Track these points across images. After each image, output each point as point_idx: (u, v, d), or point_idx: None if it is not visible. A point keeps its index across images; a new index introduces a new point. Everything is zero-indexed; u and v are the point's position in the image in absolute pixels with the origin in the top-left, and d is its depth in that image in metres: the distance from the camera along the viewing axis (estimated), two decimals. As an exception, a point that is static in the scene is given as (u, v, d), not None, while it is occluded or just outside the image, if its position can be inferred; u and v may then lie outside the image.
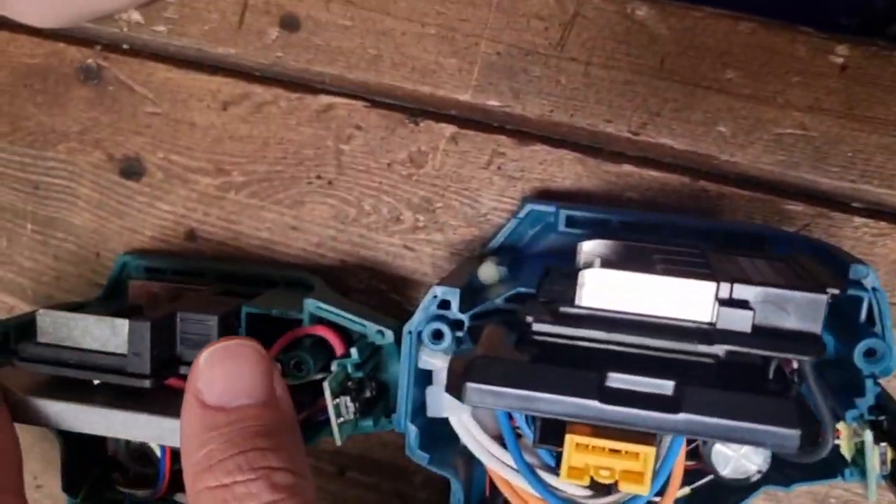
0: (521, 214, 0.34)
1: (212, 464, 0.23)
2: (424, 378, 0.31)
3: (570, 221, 0.34)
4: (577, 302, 0.26)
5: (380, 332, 0.32)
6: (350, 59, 0.37)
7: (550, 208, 0.33)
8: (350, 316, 0.32)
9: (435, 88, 0.37)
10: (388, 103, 0.37)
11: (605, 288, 0.25)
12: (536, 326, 0.26)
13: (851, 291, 0.28)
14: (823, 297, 0.25)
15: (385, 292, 0.38)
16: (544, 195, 0.36)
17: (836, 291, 0.25)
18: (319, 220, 0.38)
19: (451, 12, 0.36)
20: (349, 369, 0.31)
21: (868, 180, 0.35)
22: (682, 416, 0.24)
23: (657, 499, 0.30)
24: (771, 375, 0.26)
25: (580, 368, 0.24)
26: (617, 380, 0.24)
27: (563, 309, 0.25)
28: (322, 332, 0.32)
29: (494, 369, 0.25)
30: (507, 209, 0.37)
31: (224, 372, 0.25)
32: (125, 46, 0.39)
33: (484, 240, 0.37)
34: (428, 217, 0.37)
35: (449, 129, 0.37)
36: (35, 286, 0.41)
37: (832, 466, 0.29)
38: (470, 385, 0.25)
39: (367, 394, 0.33)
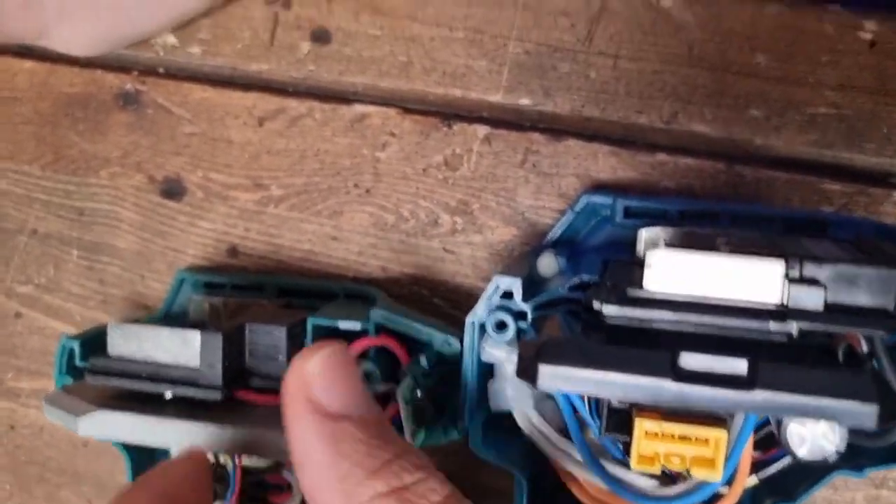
0: (578, 207, 0.34)
1: (376, 469, 0.22)
2: (486, 372, 0.31)
3: (628, 212, 0.33)
4: (644, 285, 0.26)
5: (447, 342, 0.32)
6: (381, 67, 0.38)
7: (607, 199, 0.33)
8: (418, 325, 0.32)
9: (466, 91, 0.37)
10: (420, 109, 0.38)
11: (672, 269, 0.25)
12: (606, 309, 0.26)
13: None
14: (895, 272, 0.25)
15: (426, 297, 0.38)
16: (587, 189, 0.36)
17: None
18: (359, 229, 0.38)
19: (479, 15, 0.37)
20: (419, 378, 0.31)
21: (906, 155, 0.35)
22: (758, 393, 0.24)
23: (725, 488, 0.30)
24: (841, 356, 0.25)
25: (652, 351, 0.24)
26: (690, 360, 0.24)
27: (630, 292, 0.26)
28: (388, 342, 0.32)
29: (568, 351, 0.25)
30: (543, 206, 0.37)
31: (337, 378, 0.24)
32: (161, 70, 0.40)
33: (523, 238, 0.37)
34: (466, 219, 0.38)
35: (482, 131, 0.37)
36: (83, 311, 0.42)
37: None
38: (543, 367, 0.25)
39: (436, 403, 0.34)
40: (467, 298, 0.38)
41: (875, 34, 0.35)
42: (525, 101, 0.37)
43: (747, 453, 0.29)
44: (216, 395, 0.31)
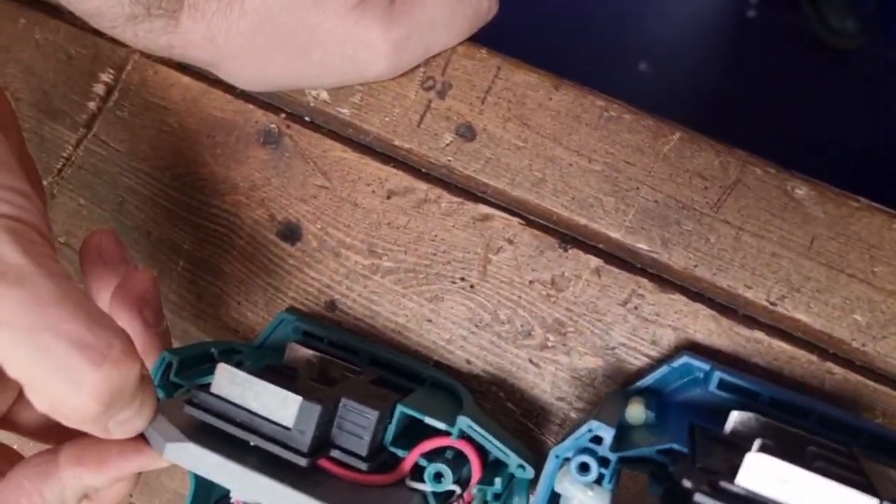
0: (675, 364, 0.35)
1: None
2: (554, 501, 0.33)
3: (722, 383, 0.35)
4: (737, 481, 0.27)
5: (521, 466, 0.33)
6: (516, 177, 0.40)
7: (705, 366, 0.35)
8: (498, 444, 0.34)
9: (590, 221, 0.39)
10: (542, 224, 0.40)
11: (766, 474, 0.27)
12: (699, 497, 0.27)
13: None
14: None
15: (502, 399, 0.40)
16: (680, 345, 0.38)
17: None
18: (455, 319, 0.40)
19: (620, 154, 0.39)
20: (488, 498, 0.33)
21: None
22: None
23: None
24: None
25: None
26: None
27: (723, 484, 0.27)
28: (467, 450, 0.34)
29: None
30: (635, 347, 0.38)
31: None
32: (308, 119, 0.42)
33: (607, 371, 0.39)
34: (558, 338, 0.39)
35: (595, 262, 0.39)
36: (175, 319, 0.43)
37: None
38: None
39: None
40: (540, 411, 0.39)
41: None
42: (642, 246, 0.38)
43: None
44: (301, 461, 0.33)
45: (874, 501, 0.27)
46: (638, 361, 0.38)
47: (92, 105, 0.45)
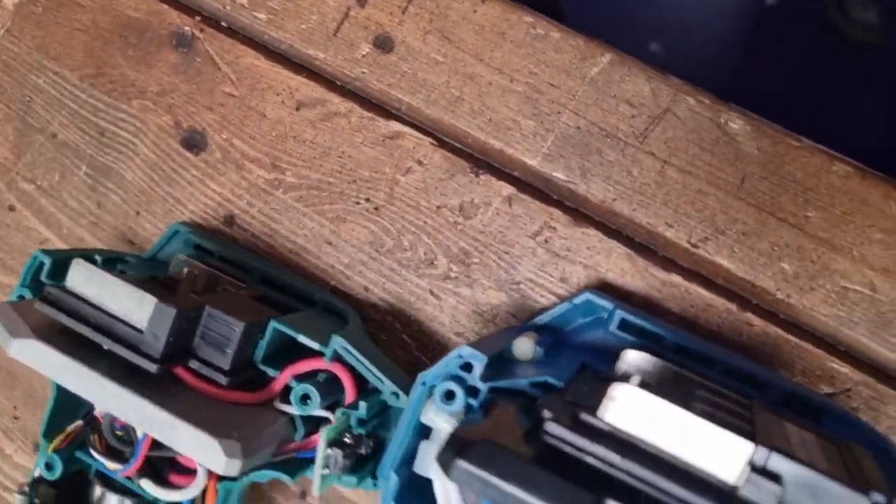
0: (577, 301, 0.32)
1: None
2: (422, 432, 0.30)
3: (624, 324, 0.32)
4: (600, 413, 0.24)
5: (395, 393, 0.31)
6: (432, 94, 0.37)
7: (608, 304, 0.32)
8: (372, 368, 0.31)
9: (505, 145, 0.36)
10: (455, 147, 0.37)
11: (635, 409, 0.24)
12: (550, 427, 0.24)
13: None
14: (864, 500, 0.23)
15: (398, 330, 0.37)
16: (590, 285, 0.35)
17: (881, 499, 0.23)
18: (355, 242, 0.37)
19: (544, 75, 0.36)
20: (352, 422, 0.30)
21: (928, 363, 0.32)
22: None
23: None
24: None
25: (580, 486, 0.23)
26: None
27: (583, 416, 0.24)
28: (340, 373, 0.31)
29: (493, 458, 0.23)
30: (542, 284, 0.35)
31: None
32: (223, 24, 0.40)
33: (510, 308, 0.36)
34: (461, 269, 0.36)
35: (507, 189, 0.36)
36: (72, 226, 0.41)
37: None
38: (461, 463, 0.23)
39: (363, 450, 0.32)
40: (437, 345, 0.36)
41: (938, 230, 0.32)
42: (559, 175, 0.35)
43: None
44: (151, 367, 0.30)
45: (748, 445, 0.23)
46: (544, 299, 0.35)
47: (7, 1, 0.43)
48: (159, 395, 0.30)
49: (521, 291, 0.36)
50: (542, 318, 0.33)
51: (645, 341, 0.32)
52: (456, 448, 0.24)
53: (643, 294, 0.34)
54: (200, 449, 0.29)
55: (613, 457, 0.24)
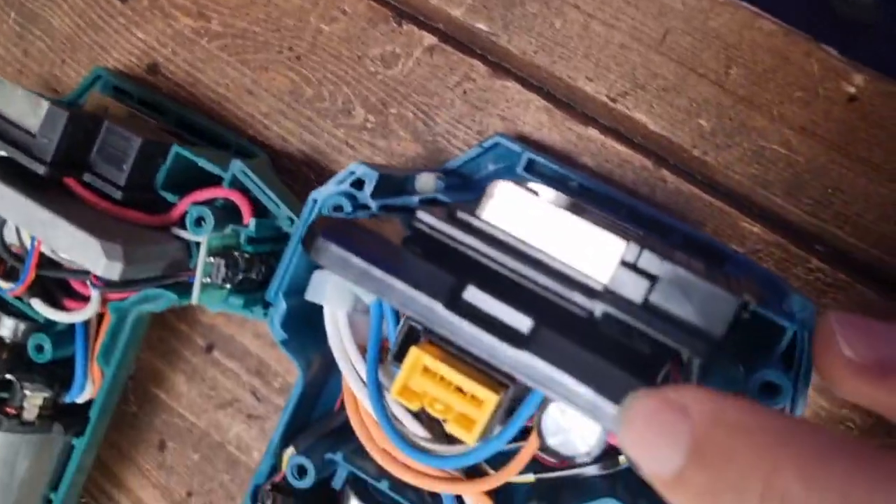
0: (487, 144, 0.32)
1: None
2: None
3: (530, 166, 0.31)
4: (477, 212, 0.23)
5: (290, 219, 0.30)
6: (358, -59, 0.36)
7: (516, 147, 0.31)
8: (269, 192, 0.30)
9: (429, -6, 0.35)
10: (379, -4, 0.36)
11: (512, 207, 0.23)
12: (420, 213, 0.23)
13: (779, 319, 0.24)
14: (734, 299, 0.22)
15: (311, 181, 0.36)
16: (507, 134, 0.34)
17: (752, 300, 0.22)
18: (275, 91, 0.37)
19: (472, -75, 0.35)
20: (241, 238, 0.29)
21: (840, 225, 0.32)
22: (524, 354, 0.21)
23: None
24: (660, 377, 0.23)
25: (444, 270, 0.22)
26: (475, 294, 0.22)
27: (459, 214, 0.23)
28: (236, 197, 0.31)
29: (356, 236, 0.23)
30: (458, 136, 0.35)
31: None
32: None
33: (426, 160, 0.35)
34: (379, 119, 0.35)
35: (429, 40, 0.35)
36: (-2, 74, 0.41)
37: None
38: (323, 241, 0.23)
39: (253, 275, 0.32)
40: (351, 201, 0.36)
41: (859, 90, 0.31)
42: (481, 26, 0.35)
43: (531, 447, 0.27)
44: (40, 169, 0.30)
45: (621, 243, 0.23)
46: (460, 152, 0.35)
47: None
48: (48, 200, 0.29)
49: (437, 144, 0.35)
50: (453, 163, 0.33)
51: (551, 184, 0.31)
52: (320, 228, 0.23)
53: (559, 148, 0.34)
54: (80, 248, 0.28)
55: (483, 247, 0.23)
